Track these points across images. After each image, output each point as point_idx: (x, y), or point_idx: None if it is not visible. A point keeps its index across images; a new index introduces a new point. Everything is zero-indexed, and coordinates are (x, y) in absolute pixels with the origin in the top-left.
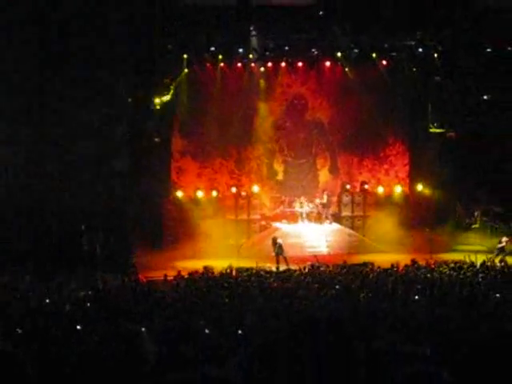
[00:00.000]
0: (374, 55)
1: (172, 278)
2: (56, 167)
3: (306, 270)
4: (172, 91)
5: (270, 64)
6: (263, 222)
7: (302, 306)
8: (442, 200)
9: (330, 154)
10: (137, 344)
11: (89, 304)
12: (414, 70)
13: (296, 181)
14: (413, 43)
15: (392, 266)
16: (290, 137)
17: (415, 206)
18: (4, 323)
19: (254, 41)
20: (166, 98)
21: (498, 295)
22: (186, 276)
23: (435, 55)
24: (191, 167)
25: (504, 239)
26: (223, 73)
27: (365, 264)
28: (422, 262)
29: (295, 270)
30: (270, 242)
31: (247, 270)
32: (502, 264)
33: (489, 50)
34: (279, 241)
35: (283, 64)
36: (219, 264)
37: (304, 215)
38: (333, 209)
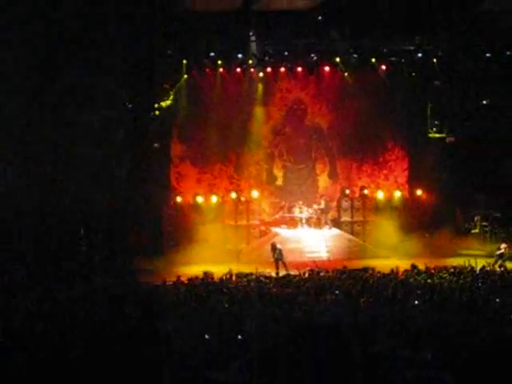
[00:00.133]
0: (373, 60)
1: (171, 283)
2: (56, 170)
3: (306, 276)
4: (171, 96)
5: (269, 69)
6: (262, 228)
7: (302, 311)
8: (442, 205)
9: (330, 159)
10: (135, 349)
11: (87, 307)
12: (413, 74)
13: (295, 186)
14: (412, 48)
15: (392, 271)
16: (290, 142)
17: (415, 211)
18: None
19: (253, 46)
20: (166, 103)
21: (497, 300)
22: (185, 281)
23: (434, 60)
24: (191, 172)
25: (503, 246)
26: (222, 78)
27: (364, 269)
28: (421, 267)
29: (295, 276)
30: (269, 247)
31: (247, 275)
32: (502, 269)
33: (488, 54)
34: (279, 246)
35: (282, 69)
36: (219, 269)
37: (303, 220)
38: (332, 214)
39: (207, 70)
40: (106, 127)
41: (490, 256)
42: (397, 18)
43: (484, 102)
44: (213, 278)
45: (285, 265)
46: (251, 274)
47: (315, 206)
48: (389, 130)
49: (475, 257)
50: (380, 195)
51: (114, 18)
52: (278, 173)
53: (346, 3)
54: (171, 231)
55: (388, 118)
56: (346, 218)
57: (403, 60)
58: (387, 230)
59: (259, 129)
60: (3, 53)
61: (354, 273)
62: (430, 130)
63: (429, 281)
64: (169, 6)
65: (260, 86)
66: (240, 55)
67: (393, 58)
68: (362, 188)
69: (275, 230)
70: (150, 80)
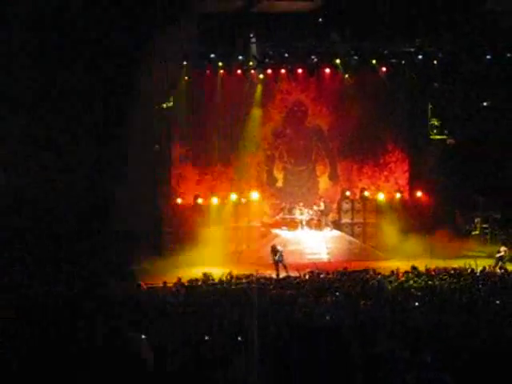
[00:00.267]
0: (373, 62)
1: (172, 284)
2: (56, 172)
3: (306, 277)
4: (172, 98)
5: (269, 71)
6: (263, 229)
7: (302, 313)
8: (442, 206)
9: (330, 160)
10: (136, 350)
11: (89, 310)
12: (414, 76)
13: (296, 188)
14: (412, 50)
15: (392, 272)
16: (290, 144)
17: (415, 213)
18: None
19: (253, 48)
20: (166, 105)
21: (498, 302)
22: (185, 283)
23: (435, 62)
24: (191, 174)
25: (502, 248)
26: (223, 80)
27: (365, 271)
28: (421, 269)
29: (295, 277)
30: (269, 249)
31: (247, 277)
32: (502, 271)
33: (488, 56)
34: (279, 248)
35: (283, 71)
36: (219, 271)
37: (304, 222)
38: (333, 216)
39: (208, 71)
40: (106, 131)
41: (490, 258)
42: (397, 20)
43: (484, 104)
44: (213, 280)
45: (285, 267)
46: (251, 275)
47: (315, 208)
48: (389, 132)
49: (475, 258)
50: (380, 197)
51: (114, 20)
52: (279, 174)
53: (346, 5)
54: (171, 232)
55: (388, 119)
56: (346, 219)
57: (404, 62)
58: (387, 231)
59: (259, 130)
60: (5, 58)
61: (355, 274)
62: (431, 132)
63: (429, 282)
64: (171, 8)
65: (260, 88)
66: (240, 57)
67: (393, 60)
68: (363, 190)
69: (275, 231)
70: (151, 81)
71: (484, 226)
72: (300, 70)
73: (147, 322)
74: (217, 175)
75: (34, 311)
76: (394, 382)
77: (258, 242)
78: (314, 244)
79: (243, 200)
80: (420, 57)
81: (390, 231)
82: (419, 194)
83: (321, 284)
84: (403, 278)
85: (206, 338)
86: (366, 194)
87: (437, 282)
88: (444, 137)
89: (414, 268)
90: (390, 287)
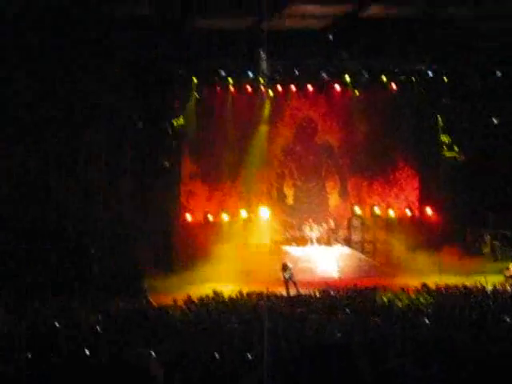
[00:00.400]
0: (383, 79)
1: (182, 302)
2: (65, 190)
3: (317, 295)
4: (182, 115)
5: (279, 87)
6: (273, 246)
7: (313, 330)
8: (452, 223)
9: (340, 177)
10: (145, 368)
11: (99, 328)
12: (424, 93)
13: (306, 204)
14: (422, 67)
15: (402, 289)
16: (300, 160)
17: (425, 230)
18: (11, 347)
19: (263, 64)
20: (176, 121)
21: (508, 319)
22: (195, 301)
23: (444, 78)
24: (201, 190)
25: (511, 266)
26: (233, 96)
27: (375, 288)
28: (432, 286)
29: (305, 295)
30: (279, 266)
31: (257, 294)
32: None
33: (498, 72)
34: (289, 265)
35: (293, 88)
36: (229, 288)
37: (314, 239)
38: (343, 233)
39: (218, 88)
40: (116, 148)
41: (500, 275)
42: (407, 37)
43: (494, 121)
44: (223, 297)
45: (295, 284)
46: (261, 293)
47: (325, 225)
48: (399, 149)
49: (485, 275)
50: (390, 214)
51: (124, 37)
52: (289, 191)
53: (355, 23)
54: (181, 249)
55: (398, 136)
56: (356, 236)
57: (414, 78)
58: (398, 248)
59: (269, 147)
60: (10, 72)
61: (365, 292)
62: (441, 149)
63: (439, 299)
64: (178, 25)
65: (270, 105)
66: (250, 74)
67: (403, 77)
68: (373, 206)
69: (285, 248)
70: (161, 98)
71: (494, 243)
72: (310, 87)
73: (157, 338)
74: (227, 192)
75: (41, 327)
76: None
77: (267, 259)
78: (324, 261)
79: (253, 217)
80: (430, 73)
81: (399, 248)
82: (429, 210)
83: (331, 301)
84: (413, 296)
85: (216, 355)
86: (376, 210)
87: (447, 299)
88: (454, 153)
89: (424, 285)
90: (399, 304)
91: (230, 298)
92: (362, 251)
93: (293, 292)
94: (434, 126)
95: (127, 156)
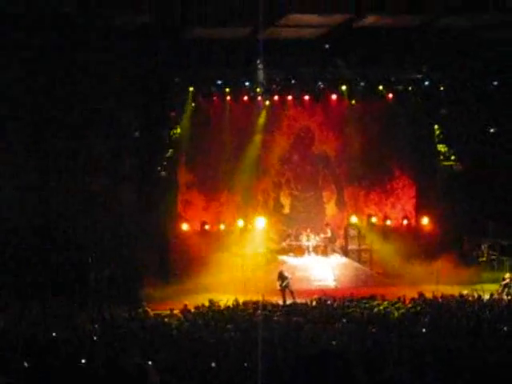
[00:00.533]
0: (380, 88)
1: (178, 311)
2: (63, 199)
3: (313, 304)
4: (179, 124)
5: (276, 97)
6: (269, 256)
7: (309, 339)
8: (449, 233)
9: (337, 186)
10: (142, 377)
11: (95, 337)
12: (421, 102)
13: (303, 214)
14: (419, 76)
15: (399, 298)
16: (297, 170)
17: (422, 239)
18: (9, 356)
19: (260, 74)
20: (173, 131)
21: (505, 328)
22: (192, 310)
23: (441, 88)
24: (197, 200)
25: (507, 276)
26: (230, 106)
27: (372, 297)
28: (428, 295)
29: (302, 304)
30: (276, 275)
31: (253, 303)
32: (510, 297)
33: (495, 82)
34: (286, 274)
35: (290, 97)
36: (225, 297)
37: (310, 248)
38: (339, 242)
39: (214, 97)
40: (113, 158)
41: (497, 284)
42: (403, 46)
43: (491, 130)
44: (219, 306)
45: (292, 293)
46: (258, 302)
47: (322, 235)
48: (396, 158)
49: (482, 285)
50: (387, 223)
51: (122, 47)
52: (285, 201)
53: (352, 32)
54: (178, 259)
55: (395, 145)
56: (353, 246)
57: (410, 88)
58: (394, 258)
59: (266, 157)
60: (5, 74)
61: (361, 301)
62: (438, 158)
63: (436, 308)
64: (176, 34)
65: (267, 114)
66: (247, 83)
67: (400, 86)
68: (370, 216)
69: (282, 258)
70: (158, 108)
71: (491, 252)
72: (307, 97)
73: (154, 347)
74: (223, 201)
75: (36, 337)
76: None
77: (264, 268)
78: (320, 270)
79: (250, 226)
80: (426, 83)
81: (396, 258)
82: (426, 220)
83: (328, 311)
84: (410, 305)
85: (213, 364)
86: (373, 220)
87: (443, 308)
88: (451, 163)
89: (420, 294)
90: (396, 313)
91: (227, 307)
92: (359, 260)
93: (289, 301)
94: (430, 135)
95: (125, 164)
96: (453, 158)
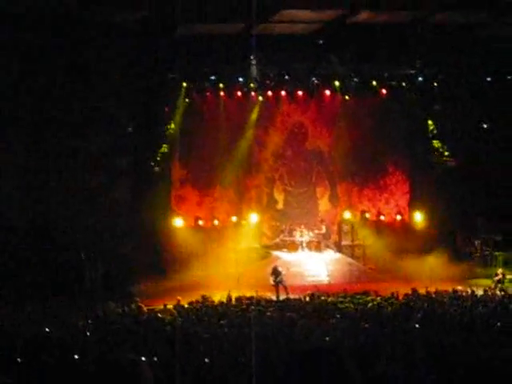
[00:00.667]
0: (374, 84)
1: (172, 306)
2: (57, 197)
3: (307, 299)
4: (172, 120)
5: (270, 93)
6: (263, 251)
7: (303, 335)
8: (442, 229)
9: (330, 182)
10: (136, 373)
11: (88, 333)
12: (415, 98)
13: (296, 210)
14: (413, 72)
15: (392, 294)
16: (290, 166)
17: (415, 235)
18: (7, 355)
19: (253, 70)
20: (167, 126)
21: (498, 324)
22: (185, 305)
23: (435, 84)
24: (191, 196)
25: (500, 271)
26: (223, 101)
27: (365, 293)
28: (422, 291)
29: (295, 300)
30: (269, 271)
31: (247, 299)
32: (503, 293)
33: (488, 78)
34: (280, 270)
35: (283, 93)
36: (219, 293)
37: (304, 244)
38: (333, 238)
39: (208, 93)
40: (107, 154)
41: (490, 279)
42: (397, 42)
43: (485, 126)
44: (212, 302)
45: (285, 288)
46: (251, 297)
47: (316, 231)
48: (389, 154)
49: (475, 280)
50: (381, 219)
51: (115, 44)
52: (279, 196)
53: (345, 27)
54: (172, 255)
55: (388, 141)
56: (346, 241)
57: (404, 84)
58: (388, 253)
59: (260, 152)
60: (6, 84)
61: (355, 296)
62: (431, 154)
63: (429, 304)
64: (171, 31)
65: (260, 110)
66: (241, 79)
67: (393, 82)
68: (363, 212)
69: (276, 253)
70: (151, 104)
71: (484, 248)
72: (300, 92)
73: (147, 343)
74: (217, 197)
75: (29, 334)
76: None
77: (257, 264)
78: (314, 266)
79: (243, 222)
80: (420, 79)
81: (390, 253)
82: (419, 215)
83: (321, 306)
84: (403, 300)
85: (206, 360)
86: (367, 216)
87: (437, 304)
88: (444, 158)
89: (414, 290)
90: (389, 309)
91: (220, 303)
92: (352, 256)
93: (283, 296)
94: (424, 131)
95: (122, 160)
96: (446, 153)
